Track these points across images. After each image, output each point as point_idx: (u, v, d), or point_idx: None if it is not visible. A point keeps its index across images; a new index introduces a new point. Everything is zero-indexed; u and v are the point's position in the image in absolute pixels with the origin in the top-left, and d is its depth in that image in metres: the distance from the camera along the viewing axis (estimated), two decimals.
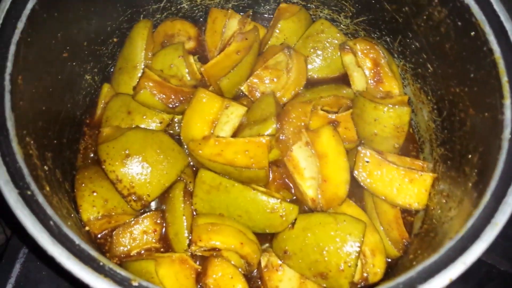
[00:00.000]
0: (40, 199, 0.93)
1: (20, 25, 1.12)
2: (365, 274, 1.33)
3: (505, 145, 1.04)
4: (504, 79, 1.11)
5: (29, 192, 0.93)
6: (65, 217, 1.06)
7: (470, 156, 1.20)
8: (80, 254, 0.86)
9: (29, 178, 0.95)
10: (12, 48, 1.08)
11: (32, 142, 1.09)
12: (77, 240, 0.89)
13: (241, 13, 1.75)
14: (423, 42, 1.43)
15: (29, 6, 1.14)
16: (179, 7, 1.67)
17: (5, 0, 1.13)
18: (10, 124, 1.00)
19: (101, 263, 0.85)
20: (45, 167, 1.14)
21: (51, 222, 0.90)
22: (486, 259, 1.74)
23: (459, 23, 1.25)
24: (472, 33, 1.20)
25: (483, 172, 1.09)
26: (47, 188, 1.05)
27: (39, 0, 1.15)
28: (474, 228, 0.95)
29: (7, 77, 1.05)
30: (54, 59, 1.30)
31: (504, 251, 1.78)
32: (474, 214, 0.97)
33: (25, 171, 0.96)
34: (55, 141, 1.31)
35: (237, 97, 1.61)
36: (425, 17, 1.37)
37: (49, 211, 0.92)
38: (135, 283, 0.84)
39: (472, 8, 1.20)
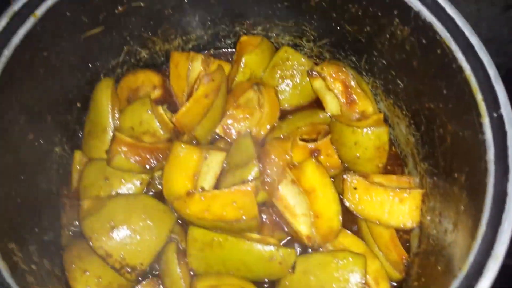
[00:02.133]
0: None
1: None
2: None
3: (491, 168, 1.03)
4: (479, 97, 1.10)
5: None
6: None
7: (456, 175, 1.20)
8: None
9: None
10: None
11: (14, 246, 1.04)
12: None
13: (203, 51, 1.72)
14: (389, 59, 1.43)
15: None
16: (138, 57, 1.62)
17: None
18: None
19: None
20: (32, 266, 1.10)
21: None
22: None
23: (424, 41, 1.24)
24: (439, 51, 1.20)
25: (473, 195, 1.08)
26: None
27: None
28: (476, 263, 0.94)
29: None
30: (20, 145, 1.24)
31: None
32: (473, 247, 0.97)
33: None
34: (36, 229, 1.26)
35: (213, 140, 1.58)
36: (388, 35, 1.36)
37: None
38: None
39: (434, 25, 1.18)
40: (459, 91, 1.16)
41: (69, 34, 1.31)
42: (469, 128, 1.13)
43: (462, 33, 1.16)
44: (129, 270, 1.31)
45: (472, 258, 0.95)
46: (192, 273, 1.36)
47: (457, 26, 1.16)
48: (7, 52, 1.14)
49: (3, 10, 1.17)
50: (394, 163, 1.59)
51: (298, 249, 1.43)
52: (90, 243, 1.31)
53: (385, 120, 1.59)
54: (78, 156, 1.52)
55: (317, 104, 1.63)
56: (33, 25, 1.18)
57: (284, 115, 1.61)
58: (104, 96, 1.49)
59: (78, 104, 1.51)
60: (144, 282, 1.35)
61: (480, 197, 1.03)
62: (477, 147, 1.09)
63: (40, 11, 1.18)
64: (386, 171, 1.55)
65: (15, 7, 1.17)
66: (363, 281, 1.24)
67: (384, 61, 1.45)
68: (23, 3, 1.18)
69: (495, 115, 1.08)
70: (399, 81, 1.44)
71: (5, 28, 1.16)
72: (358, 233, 1.46)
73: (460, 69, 1.14)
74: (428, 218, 1.34)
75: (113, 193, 1.43)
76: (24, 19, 1.16)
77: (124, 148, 1.40)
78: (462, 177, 1.16)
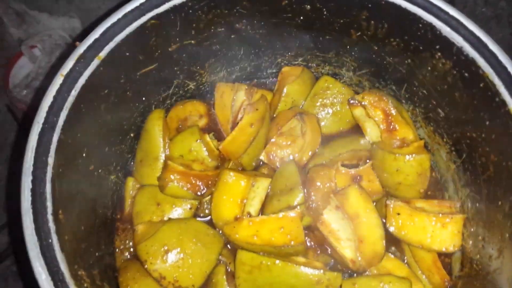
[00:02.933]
0: None
1: (51, 160, 1.15)
2: None
3: None
4: None
5: None
6: None
7: (500, 203, 1.23)
8: None
9: None
10: (48, 187, 1.12)
11: (83, 273, 1.12)
12: None
13: (246, 81, 1.80)
14: (430, 90, 1.47)
15: (55, 138, 1.18)
16: (186, 89, 1.70)
17: (31, 139, 1.16)
18: (64, 266, 1.03)
19: None
20: None
21: None
22: None
23: (466, 75, 1.28)
24: (481, 85, 1.24)
25: None
26: None
27: (62, 130, 1.19)
28: None
29: (50, 217, 1.08)
30: (83, 176, 1.33)
31: None
32: None
33: None
34: (96, 254, 1.34)
35: (257, 166, 1.65)
36: (429, 68, 1.40)
37: None
38: None
39: (477, 61, 1.22)
40: (503, 123, 1.19)
41: (127, 72, 1.40)
42: None
43: (505, 68, 1.20)
44: None
45: None
46: None
47: (499, 62, 1.20)
48: (74, 92, 1.23)
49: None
50: (435, 188, 1.62)
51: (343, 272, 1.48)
52: (146, 266, 1.39)
53: (425, 146, 1.63)
54: (130, 182, 1.60)
55: (357, 129, 1.69)
56: (97, 66, 1.26)
57: (325, 141, 1.67)
58: (156, 127, 1.58)
59: (132, 134, 1.60)
60: None
61: None
62: None
63: (103, 53, 1.27)
64: (426, 196, 1.59)
65: (81, 49, 1.26)
66: None
67: (424, 91, 1.50)
68: (87, 46, 1.27)
69: None
70: (440, 110, 1.48)
71: (72, 69, 1.25)
72: (401, 257, 1.50)
73: (504, 102, 1.18)
74: (470, 242, 1.38)
75: (165, 218, 1.51)
76: (89, 61, 1.25)
77: (177, 176, 1.48)
78: (506, 205, 1.20)
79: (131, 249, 1.55)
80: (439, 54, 1.33)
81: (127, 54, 1.35)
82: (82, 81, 1.25)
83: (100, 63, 1.28)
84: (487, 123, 1.26)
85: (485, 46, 1.22)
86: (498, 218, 1.23)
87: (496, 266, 1.18)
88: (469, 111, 1.34)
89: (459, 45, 1.25)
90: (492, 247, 1.24)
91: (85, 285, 1.09)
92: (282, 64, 1.74)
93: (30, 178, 1.11)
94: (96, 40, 1.28)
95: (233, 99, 1.70)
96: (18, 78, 2.45)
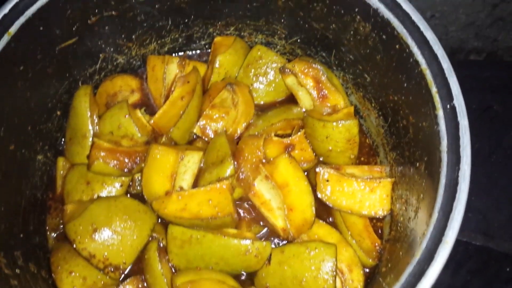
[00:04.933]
0: None
1: None
2: None
3: (444, 157, 1.08)
4: (433, 90, 1.15)
5: None
6: None
7: (418, 164, 1.25)
8: None
9: None
10: None
11: None
12: None
13: (179, 53, 1.77)
14: (356, 54, 1.47)
15: None
16: (115, 63, 1.66)
17: None
18: None
19: None
20: (16, 270, 1.16)
21: None
22: (461, 237, 1.82)
23: (384, 37, 1.29)
24: (397, 46, 1.24)
25: (429, 184, 1.13)
26: None
27: None
28: (428, 249, 0.99)
29: None
30: (1, 156, 1.30)
31: (477, 225, 1.87)
32: (426, 234, 1.02)
33: None
34: (21, 235, 1.32)
35: (192, 141, 1.63)
36: (352, 32, 1.40)
37: None
38: None
39: (392, 22, 1.23)
40: (417, 84, 1.21)
41: (44, 47, 1.35)
42: (426, 119, 1.18)
43: (417, 28, 1.20)
44: (112, 269, 1.38)
45: (425, 244, 1.00)
46: (173, 269, 1.42)
47: (412, 22, 1.21)
48: None
49: None
50: (368, 154, 1.64)
51: (277, 241, 1.49)
52: (74, 245, 1.37)
53: (357, 112, 1.64)
54: (61, 162, 1.57)
55: (292, 99, 1.68)
56: (7, 43, 1.22)
57: (260, 112, 1.66)
58: (82, 103, 1.54)
59: (58, 112, 1.56)
60: (127, 280, 1.41)
61: (435, 185, 1.08)
62: (433, 137, 1.14)
63: (13, 29, 1.23)
64: (360, 161, 1.61)
65: None
66: (334, 269, 1.29)
67: (351, 56, 1.50)
68: None
69: (448, 106, 1.13)
70: (366, 75, 1.48)
71: None
72: (333, 224, 1.52)
73: (417, 63, 1.19)
74: (398, 206, 1.40)
75: (95, 196, 1.49)
76: None
77: (103, 153, 1.45)
78: (422, 166, 1.22)
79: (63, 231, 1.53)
80: (358, 17, 1.32)
81: (41, 28, 1.30)
82: None
83: (11, 39, 1.24)
84: (405, 85, 1.27)
85: (398, 6, 1.22)
86: (416, 179, 1.24)
87: (412, 227, 1.20)
88: (390, 74, 1.34)
89: (375, 7, 1.25)
90: (411, 208, 1.26)
91: None
92: (214, 34, 1.71)
93: None
94: (4, 16, 1.24)
95: (165, 72, 1.67)
96: None
